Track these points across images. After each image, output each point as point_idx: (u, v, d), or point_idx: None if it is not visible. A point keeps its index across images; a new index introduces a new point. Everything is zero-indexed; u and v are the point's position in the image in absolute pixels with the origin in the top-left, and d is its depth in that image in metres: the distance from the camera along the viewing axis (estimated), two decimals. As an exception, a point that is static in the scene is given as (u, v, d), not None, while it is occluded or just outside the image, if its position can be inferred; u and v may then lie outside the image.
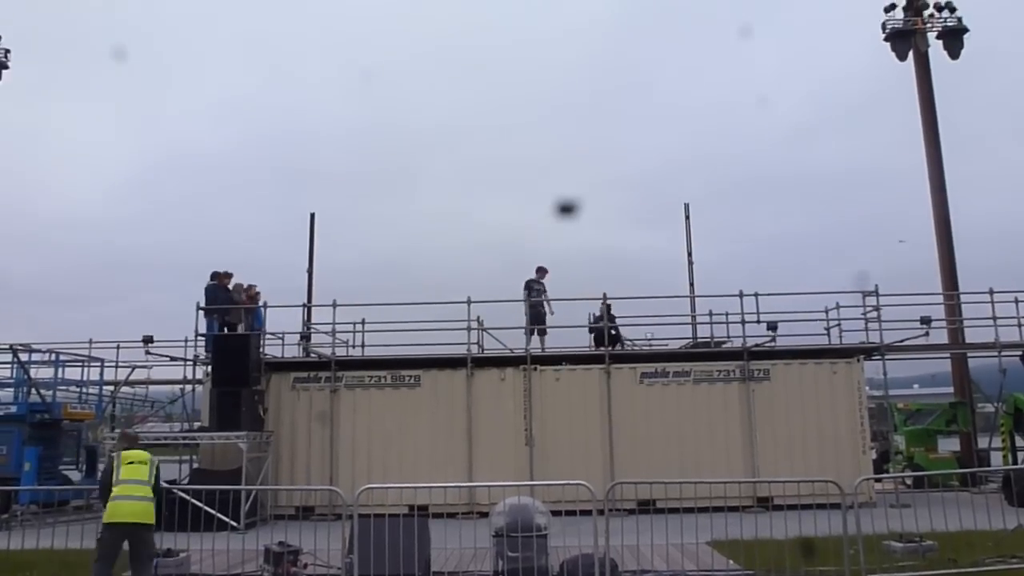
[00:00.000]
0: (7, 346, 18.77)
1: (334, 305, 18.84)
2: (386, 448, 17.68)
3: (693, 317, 20.03)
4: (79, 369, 20.40)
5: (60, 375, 19.50)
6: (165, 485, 8.83)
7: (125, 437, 9.29)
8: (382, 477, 16.62)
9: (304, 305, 21.12)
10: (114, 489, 8.18)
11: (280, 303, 19.88)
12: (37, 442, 18.23)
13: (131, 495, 8.14)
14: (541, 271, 19.49)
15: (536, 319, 18.89)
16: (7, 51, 27.03)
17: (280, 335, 20.00)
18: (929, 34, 25.37)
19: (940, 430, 23.16)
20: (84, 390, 20.48)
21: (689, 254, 21.56)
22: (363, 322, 19.98)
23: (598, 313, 19.11)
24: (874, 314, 18.47)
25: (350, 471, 17.30)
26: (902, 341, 19.01)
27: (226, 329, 18.64)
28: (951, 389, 24.10)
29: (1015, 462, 19.24)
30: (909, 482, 19.17)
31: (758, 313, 18.18)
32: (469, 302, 18.09)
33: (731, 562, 9.99)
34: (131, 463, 8.35)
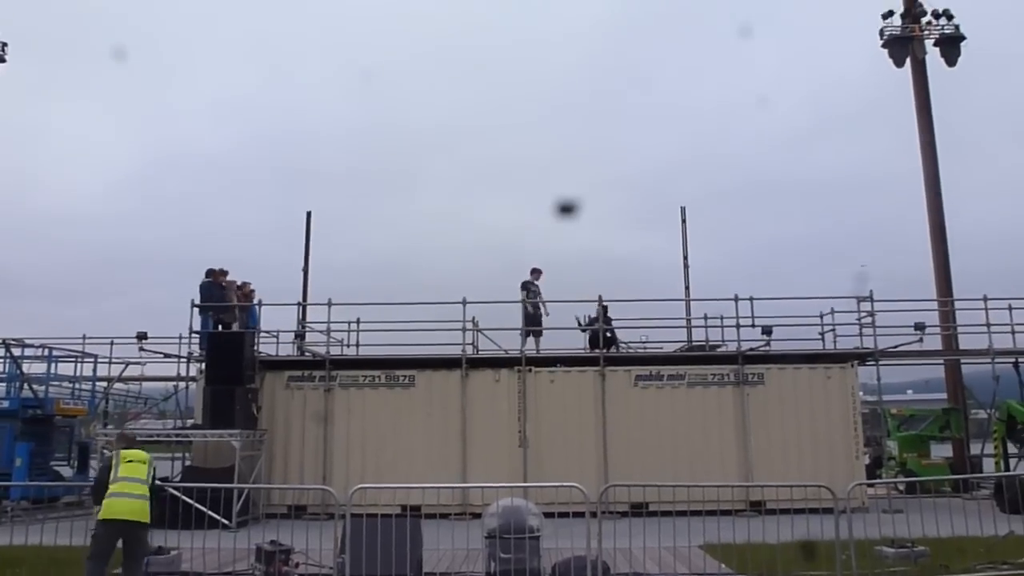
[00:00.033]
0: None
1: (329, 304, 18.80)
2: (380, 448, 17.65)
3: (688, 320, 20.06)
4: (72, 365, 20.38)
5: (53, 371, 19.46)
6: (161, 484, 8.81)
7: (123, 437, 9.29)
8: (375, 477, 16.60)
9: (299, 304, 21.09)
10: (112, 486, 8.16)
11: (278, 302, 19.88)
12: (29, 438, 18.18)
13: (129, 493, 8.12)
14: (536, 272, 19.49)
15: (531, 320, 18.88)
16: (4, 44, 26.92)
17: (275, 333, 19.98)
18: (926, 41, 25.47)
19: (933, 436, 23.22)
20: (77, 386, 20.44)
21: (685, 257, 21.57)
22: (358, 321, 19.99)
23: (593, 315, 19.11)
24: (868, 319, 18.51)
25: (343, 470, 17.28)
26: (896, 347, 19.05)
27: (220, 327, 18.60)
28: (944, 395, 24.17)
29: (1007, 469, 19.27)
30: (902, 488, 19.25)
31: (753, 317, 18.21)
32: (464, 303, 18.09)
33: (723, 566, 9.99)
34: (130, 462, 8.34)
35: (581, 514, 9.03)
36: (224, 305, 18.54)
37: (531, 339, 18.86)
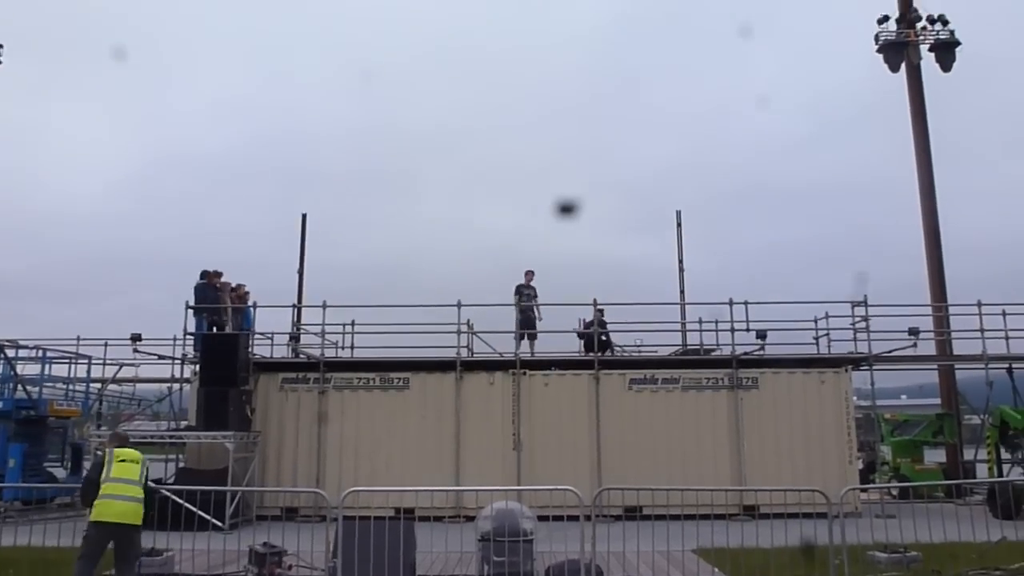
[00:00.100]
0: (-7, 341, 18.68)
1: (324, 306, 18.80)
2: (374, 450, 17.64)
3: (683, 324, 20.07)
4: (66, 366, 20.33)
5: (47, 372, 19.41)
6: (152, 485, 8.74)
7: (116, 436, 9.18)
8: (369, 479, 16.61)
9: (294, 306, 21.07)
10: (104, 487, 8.01)
11: (277, 303, 19.84)
12: (22, 439, 18.15)
13: (121, 495, 7.99)
14: (529, 274, 19.51)
15: (526, 323, 18.89)
16: (0, 46, 26.84)
17: (269, 335, 19.95)
18: (921, 46, 25.54)
19: (926, 441, 23.27)
20: (71, 387, 20.39)
21: (680, 261, 21.59)
22: (352, 323, 19.94)
23: (588, 319, 19.13)
24: (862, 324, 18.55)
25: (337, 473, 17.25)
26: (890, 352, 19.09)
27: (215, 328, 18.57)
28: (938, 400, 24.21)
29: (1000, 475, 19.30)
30: (895, 493, 19.25)
31: (747, 321, 18.24)
32: (459, 305, 18.08)
33: (717, 570, 10.00)
34: (123, 461, 8.19)
35: (575, 517, 9.04)
36: (218, 307, 18.51)
37: (526, 342, 18.89)
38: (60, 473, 20.07)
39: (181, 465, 17.92)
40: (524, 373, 18.05)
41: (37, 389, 18.83)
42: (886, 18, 25.88)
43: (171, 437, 17.72)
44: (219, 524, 14.15)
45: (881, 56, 25.79)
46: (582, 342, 19.38)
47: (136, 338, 20.22)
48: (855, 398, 19.62)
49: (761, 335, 18.26)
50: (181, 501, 11.96)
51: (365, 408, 17.99)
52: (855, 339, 18.74)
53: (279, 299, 21.43)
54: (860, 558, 9.74)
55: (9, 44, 26.64)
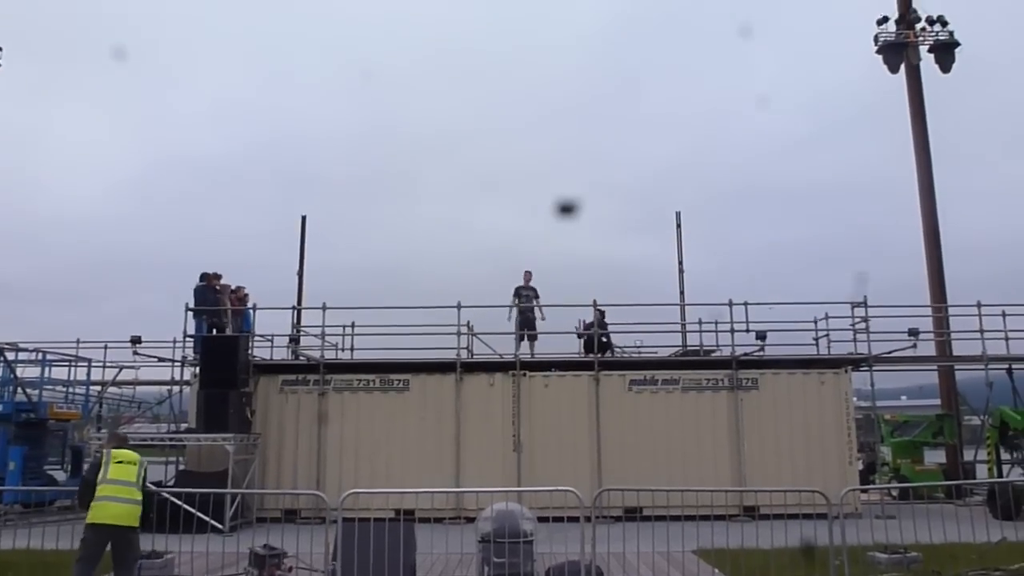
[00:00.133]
0: (-7, 344, 18.67)
1: (323, 308, 18.81)
2: (374, 452, 17.63)
3: (683, 325, 20.07)
4: (66, 369, 20.32)
5: (47, 375, 19.40)
6: (152, 488, 8.70)
7: (115, 437, 9.15)
8: (369, 481, 16.61)
9: (293, 308, 21.06)
10: (100, 488, 7.96)
11: (277, 305, 19.83)
12: (22, 441, 18.14)
13: (118, 496, 7.94)
14: (528, 275, 19.50)
15: (526, 324, 18.89)
16: (-1, 48, 26.84)
17: (269, 337, 19.95)
18: (921, 47, 25.57)
19: (926, 442, 23.28)
20: (71, 390, 20.38)
21: (680, 262, 21.60)
22: (352, 325, 19.94)
23: (588, 320, 19.13)
24: (862, 325, 18.56)
25: (337, 474, 17.24)
26: (890, 353, 19.10)
27: (215, 331, 18.57)
28: (938, 401, 24.21)
29: (1000, 475, 19.30)
30: (895, 493, 19.25)
31: (747, 322, 18.24)
32: (459, 307, 18.09)
33: (717, 571, 10.00)
34: (120, 462, 8.14)
35: (575, 518, 9.04)
36: (218, 309, 18.50)
37: (525, 343, 18.89)
38: (60, 476, 20.06)
39: (181, 467, 17.91)
40: (524, 374, 18.05)
41: (37, 392, 18.81)
42: (885, 19, 25.92)
43: (171, 439, 17.71)
44: (219, 526, 14.14)
45: (881, 57, 25.82)
46: (582, 343, 19.39)
47: (136, 340, 20.27)
48: (855, 399, 19.62)
49: (761, 336, 18.27)
50: (181, 503, 11.93)
51: (365, 410, 17.99)
52: (855, 340, 18.76)
53: (279, 301, 21.45)
54: (860, 559, 9.75)
55: (9, 45, 26.70)
